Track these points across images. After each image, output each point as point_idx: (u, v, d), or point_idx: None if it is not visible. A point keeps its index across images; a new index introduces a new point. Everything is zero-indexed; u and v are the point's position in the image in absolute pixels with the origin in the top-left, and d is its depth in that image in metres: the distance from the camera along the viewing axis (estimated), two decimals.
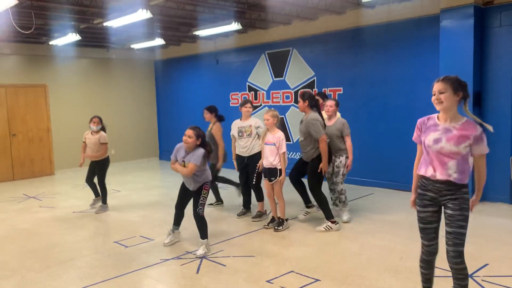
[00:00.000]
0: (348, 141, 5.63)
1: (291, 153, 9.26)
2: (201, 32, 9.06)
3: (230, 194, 7.26)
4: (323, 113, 5.69)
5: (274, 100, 9.57)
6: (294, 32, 8.97)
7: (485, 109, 6.60)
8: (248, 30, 9.67)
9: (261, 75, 9.84)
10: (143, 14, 6.74)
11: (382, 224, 5.66)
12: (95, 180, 6.93)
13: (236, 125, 6.12)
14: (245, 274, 4.19)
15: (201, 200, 4.79)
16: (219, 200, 6.92)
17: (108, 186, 8.84)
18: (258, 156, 5.86)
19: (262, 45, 9.70)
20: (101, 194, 6.93)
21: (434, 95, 2.92)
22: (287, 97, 9.32)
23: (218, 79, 10.92)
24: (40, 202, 7.71)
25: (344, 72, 8.24)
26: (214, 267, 4.40)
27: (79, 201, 7.70)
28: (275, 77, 9.54)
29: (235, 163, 6.25)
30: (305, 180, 5.70)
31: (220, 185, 7.07)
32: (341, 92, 8.29)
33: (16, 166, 10.20)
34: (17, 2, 5.70)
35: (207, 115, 6.67)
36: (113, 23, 7.62)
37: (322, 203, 5.43)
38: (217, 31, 8.94)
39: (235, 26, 8.20)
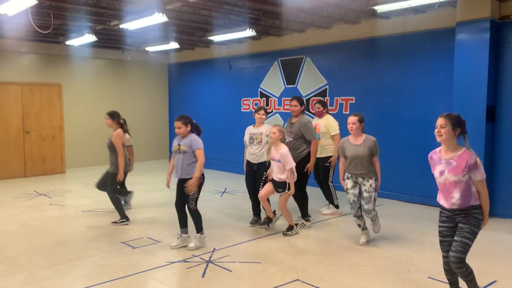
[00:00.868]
0: (377, 162, 5.13)
1: None
2: (216, 37, 9.14)
3: (237, 200, 7.26)
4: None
5: (286, 107, 9.58)
6: (308, 40, 8.99)
7: (499, 124, 6.54)
8: (262, 37, 9.72)
9: (273, 82, 9.87)
10: (159, 18, 6.82)
11: (390, 236, 5.62)
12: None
13: (248, 131, 6.07)
14: (250, 281, 4.18)
15: (192, 195, 5.01)
16: (123, 217, 6.21)
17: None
18: (266, 163, 5.83)
19: (275, 52, 9.74)
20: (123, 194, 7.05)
21: (437, 128, 3.34)
22: None
23: (230, 84, 10.98)
24: (50, 200, 7.79)
25: (357, 81, 8.23)
26: (220, 272, 4.40)
27: (88, 200, 7.77)
28: (287, 84, 9.56)
29: (245, 169, 6.19)
30: None
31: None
32: (353, 101, 8.28)
33: (28, 163, 10.33)
34: (36, 2, 5.81)
35: (108, 121, 6.21)
36: (129, 25, 7.72)
37: (304, 201, 6.00)
38: (232, 37, 9.02)
39: (249, 32, 8.25)
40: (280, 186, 5.43)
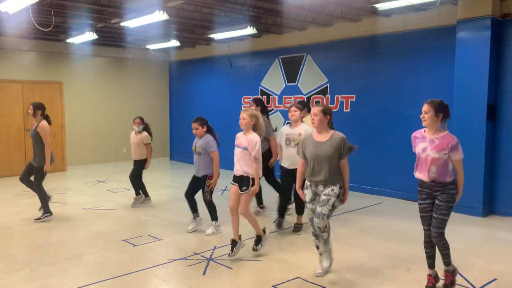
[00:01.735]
0: (346, 167, 4.11)
1: None
2: (216, 35, 9.13)
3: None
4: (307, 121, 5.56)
5: (287, 105, 9.57)
6: (308, 38, 8.98)
7: (500, 121, 6.53)
8: (262, 35, 9.71)
9: (274, 80, 9.86)
10: (160, 16, 6.82)
11: (390, 234, 5.63)
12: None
13: (284, 132, 5.61)
14: (251, 278, 4.20)
15: (206, 188, 5.48)
16: (47, 212, 6.31)
17: (118, 184, 8.97)
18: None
19: (276, 50, 9.73)
20: (141, 189, 7.22)
21: (422, 113, 3.74)
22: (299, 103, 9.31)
23: (231, 82, 10.98)
24: (52, 198, 7.77)
25: (358, 79, 8.22)
26: (221, 270, 4.42)
27: (89, 198, 7.79)
28: (288, 82, 9.56)
29: (281, 170, 5.76)
30: None
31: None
32: (354, 99, 8.28)
33: (29, 161, 10.31)
34: (37, 0, 5.80)
35: (34, 112, 6.22)
36: (130, 23, 7.71)
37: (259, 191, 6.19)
38: (232, 35, 9.00)
39: (250, 30, 8.25)
40: (243, 182, 4.63)
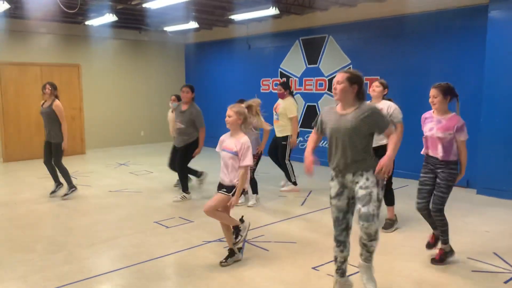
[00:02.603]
0: (394, 135, 3.29)
1: (322, 141, 9.20)
2: (236, 16, 9.00)
3: (264, 181, 7.25)
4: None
5: (307, 87, 9.49)
6: (331, 19, 8.83)
7: None
8: (282, 15, 9.55)
9: (294, 62, 9.75)
10: None
11: (421, 217, 5.58)
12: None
13: None
14: (290, 260, 4.20)
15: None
16: (59, 183, 6.69)
17: (140, 167, 8.99)
18: (383, 148, 4.73)
19: (296, 31, 9.59)
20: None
21: (430, 98, 3.95)
22: (321, 85, 9.23)
23: (249, 65, 10.87)
24: (76, 180, 7.79)
25: (382, 61, 8.09)
26: (258, 252, 4.42)
27: (114, 180, 7.82)
28: (308, 64, 9.44)
29: None
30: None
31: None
32: None
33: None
34: None
35: (49, 91, 6.45)
36: (151, 4, 7.62)
37: (186, 178, 6.50)
38: (253, 16, 8.87)
39: (272, 11, 8.11)
40: (225, 187, 3.99)
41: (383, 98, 5.24)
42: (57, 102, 6.41)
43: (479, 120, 6.67)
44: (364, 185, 3.08)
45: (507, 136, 6.31)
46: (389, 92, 8.22)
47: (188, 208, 6.06)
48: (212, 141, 5.50)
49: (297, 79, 9.72)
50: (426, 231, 4.57)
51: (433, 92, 3.93)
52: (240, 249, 4.25)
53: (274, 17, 9.53)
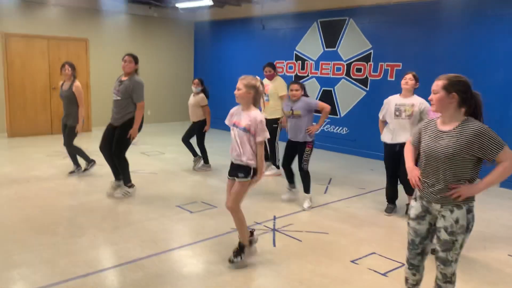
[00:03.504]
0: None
1: (338, 128, 9.04)
2: None
3: None
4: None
5: (323, 71, 9.25)
6: (352, 1, 8.54)
7: None
8: None
9: (311, 44, 9.47)
10: None
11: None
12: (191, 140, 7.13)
13: (393, 101, 4.96)
14: (325, 252, 4.04)
15: (306, 157, 5.19)
16: (78, 165, 6.50)
17: (150, 147, 8.78)
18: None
19: (315, 12, 9.29)
20: (201, 154, 7.09)
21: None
22: (338, 69, 8.99)
23: (263, 46, 10.55)
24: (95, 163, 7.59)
25: (405, 47, 7.85)
26: (290, 241, 4.26)
27: None
28: (326, 47, 9.18)
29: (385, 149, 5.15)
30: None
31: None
32: (400, 68, 7.94)
33: (55, 120, 10.08)
34: None
35: (69, 72, 6.19)
36: None
37: (126, 168, 5.48)
38: None
39: None
40: (241, 169, 3.59)
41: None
42: (77, 83, 6.19)
43: (508, 114, 6.52)
44: (450, 230, 2.54)
45: None
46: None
47: (208, 192, 5.87)
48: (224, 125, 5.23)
49: (313, 62, 9.46)
50: None
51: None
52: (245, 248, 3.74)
53: None
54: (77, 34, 10.28)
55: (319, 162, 7.60)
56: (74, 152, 6.44)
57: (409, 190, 5.00)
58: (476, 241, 4.38)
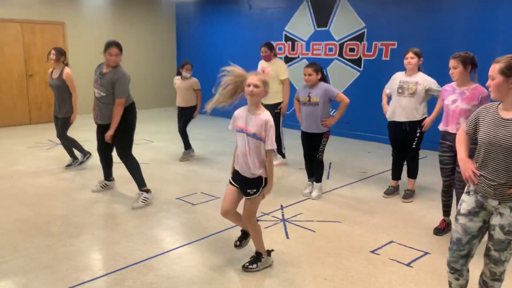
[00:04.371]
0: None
1: (331, 110, 8.79)
2: None
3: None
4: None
5: (315, 52, 8.97)
6: None
7: None
8: None
9: (301, 24, 9.15)
10: None
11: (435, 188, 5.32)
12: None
13: (397, 78, 4.85)
14: (342, 243, 3.83)
15: (321, 147, 4.91)
16: (75, 158, 6.20)
17: (138, 136, 8.36)
18: (420, 122, 4.75)
19: None
20: (182, 138, 6.70)
21: (450, 69, 3.77)
22: (330, 50, 8.72)
23: (249, 27, 10.18)
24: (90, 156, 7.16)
25: (400, 24, 7.62)
26: (304, 233, 4.03)
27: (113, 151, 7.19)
28: (317, 27, 8.88)
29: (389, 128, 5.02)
30: None
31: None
32: (395, 46, 7.73)
33: (33, 109, 9.55)
34: None
35: (57, 58, 5.68)
36: None
37: (137, 170, 4.84)
38: None
39: None
40: (251, 184, 3.13)
41: (419, 69, 4.82)
42: (67, 70, 5.72)
43: None
44: (507, 229, 2.33)
45: None
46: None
47: (206, 181, 5.59)
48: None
49: (303, 43, 9.16)
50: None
51: (452, 63, 3.76)
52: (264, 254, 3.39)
53: None
54: (53, 18, 9.68)
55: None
56: (68, 143, 6.07)
57: (414, 174, 5.00)
58: None
